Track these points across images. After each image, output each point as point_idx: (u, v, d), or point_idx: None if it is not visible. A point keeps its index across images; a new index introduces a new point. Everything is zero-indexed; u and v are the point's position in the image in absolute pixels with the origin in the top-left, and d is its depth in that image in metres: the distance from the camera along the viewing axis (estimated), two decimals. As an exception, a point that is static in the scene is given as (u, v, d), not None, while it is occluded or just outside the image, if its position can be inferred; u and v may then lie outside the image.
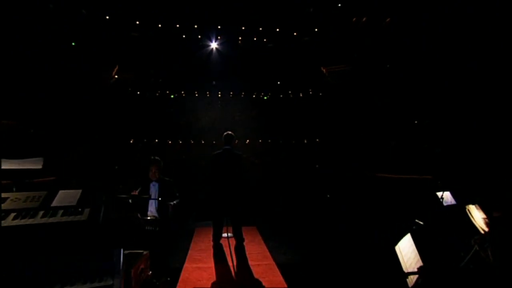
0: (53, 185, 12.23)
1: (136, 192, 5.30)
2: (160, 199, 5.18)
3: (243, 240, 6.20)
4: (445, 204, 5.21)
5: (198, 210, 8.83)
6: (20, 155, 12.27)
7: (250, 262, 5.87)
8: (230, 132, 6.01)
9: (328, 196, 9.77)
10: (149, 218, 5.23)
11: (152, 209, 5.32)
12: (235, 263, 5.77)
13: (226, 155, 5.79)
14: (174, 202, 5.27)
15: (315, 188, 11.34)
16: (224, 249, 6.30)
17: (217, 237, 6.16)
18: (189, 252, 6.46)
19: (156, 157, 5.46)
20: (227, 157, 5.75)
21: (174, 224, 5.38)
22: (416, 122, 13.17)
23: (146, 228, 4.79)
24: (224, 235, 6.51)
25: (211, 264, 5.79)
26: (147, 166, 5.59)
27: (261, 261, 5.99)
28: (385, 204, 8.54)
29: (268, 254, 6.39)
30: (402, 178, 10.32)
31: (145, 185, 5.42)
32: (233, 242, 6.39)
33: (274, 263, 5.92)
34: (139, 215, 4.91)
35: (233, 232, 6.24)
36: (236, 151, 5.96)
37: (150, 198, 5.26)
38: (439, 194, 5.31)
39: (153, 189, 5.36)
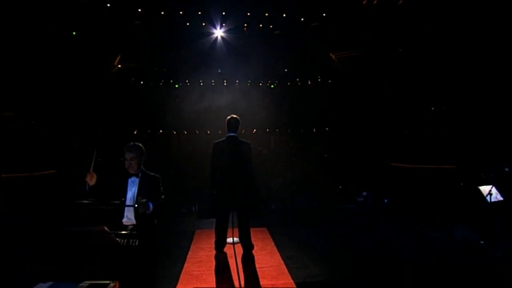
0: (54, 179, 11.58)
1: (91, 179, 3.41)
2: (136, 206, 3.39)
3: (252, 247, 4.91)
4: (493, 200, 4.38)
5: (201, 205, 7.37)
6: (21, 147, 11.59)
7: (262, 282, 4.42)
8: (234, 116, 4.73)
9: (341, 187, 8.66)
10: (124, 231, 3.37)
11: (129, 214, 3.53)
12: (242, 284, 4.41)
13: (231, 143, 4.61)
14: (156, 203, 3.49)
15: (333, 180, 10.17)
16: (229, 260, 4.94)
17: (220, 243, 4.80)
18: (185, 265, 4.95)
19: (137, 143, 3.72)
20: (232, 146, 4.58)
21: (161, 233, 3.74)
22: (432, 109, 12.17)
23: (119, 242, 3.15)
24: (229, 240, 5.14)
25: (212, 282, 4.44)
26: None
27: (275, 279, 4.52)
28: (417, 196, 7.58)
29: (284, 268, 4.85)
30: (424, 168, 9.41)
31: (120, 181, 3.66)
32: (239, 250, 5.06)
33: (293, 282, 4.45)
34: (106, 228, 2.99)
35: (240, 236, 4.86)
36: (242, 139, 4.70)
37: (121, 202, 3.49)
38: (485, 188, 4.47)
39: (131, 186, 3.61)
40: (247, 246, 4.83)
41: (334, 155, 12.78)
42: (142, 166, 3.66)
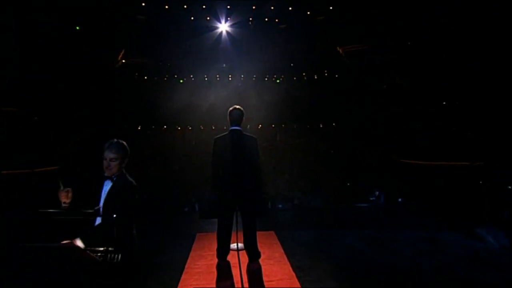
0: (56, 175, 11.22)
1: (66, 196, 2.66)
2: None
3: (258, 255, 4.15)
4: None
5: (204, 205, 6.66)
6: (23, 143, 11.21)
7: (271, 300, 3.71)
8: (237, 107, 4.00)
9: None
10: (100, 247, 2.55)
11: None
12: (248, 301, 3.72)
13: (234, 138, 3.88)
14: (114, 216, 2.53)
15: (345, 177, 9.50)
16: (233, 270, 4.29)
17: (223, 251, 4.01)
18: (182, 277, 4.25)
19: (121, 142, 2.89)
20: (235, 141, 3.85)
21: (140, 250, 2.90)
22: (444, 103, 11.57)
23: (94, 258, 2.41)
24: (233, 246, 4.52)
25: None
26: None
27: (287, 296, 3.76)
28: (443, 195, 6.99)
29: (296, 282, 4.12)
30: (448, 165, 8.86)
31: (97, 185, 2.86)
32: (244, 258, 4.31)
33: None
34: (78, 241, 2.41)
35: (245, 242, 4.07)
36: (247, 133, 3.99)
37: (95, 210, 2.69)
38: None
39: (105, 189, 2.85)
40: (254, 254, 4.07)
41: (342, 151, 12.26)
42: (123, 169, 2.89)
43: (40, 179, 9.76)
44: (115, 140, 2.88)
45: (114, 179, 2.80)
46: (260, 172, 3.99)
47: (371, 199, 6.99)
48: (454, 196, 6.45)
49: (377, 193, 6.93)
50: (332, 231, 6.01)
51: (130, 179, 2.86)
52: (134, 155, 10.29)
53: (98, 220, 2.72)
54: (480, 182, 6.51)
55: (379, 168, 10.33)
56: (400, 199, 6.75)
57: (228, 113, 4.00)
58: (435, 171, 9.02)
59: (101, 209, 2.71)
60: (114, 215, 2.49)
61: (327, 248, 5.21)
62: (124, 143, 2.92)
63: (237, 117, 3.93)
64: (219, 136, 4.03)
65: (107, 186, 2.80)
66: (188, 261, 4.66)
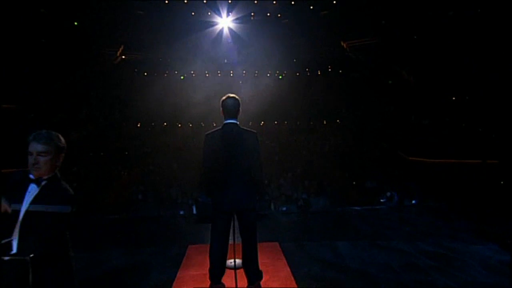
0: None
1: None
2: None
3: (260, 276, 3.17)
4: None
5: (201, 207, 5.61)
6: (18, 140, 10.58)
7: None
8: (233, 95, 3.05)
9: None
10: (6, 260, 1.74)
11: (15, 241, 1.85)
12: None
13: (230, 133, 2.98)
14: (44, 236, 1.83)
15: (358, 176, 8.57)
16: None
17: (217, 272, 3.05)
18: None
19: (53, 132, 1.95)
20: (231, 137, 2.97)
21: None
22: (454, 98, 10.87)
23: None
24: (229, 262, 3.38)
25: None
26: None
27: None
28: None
29: None
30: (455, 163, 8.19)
31: (16, 187, 1.92)
32: (243, 278, 3.23)
33: None
34: None
35: (244, 259, 3.10)
36: (246, 128, 3.04)
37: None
38: None
39: (28, 197, 1.89)
40: (254, 275, 3.11)
41: (347, 149, 11.58)
42: (57, 171, 1.98)
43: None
44: (44, 130, 1.95)
45: (43, 183, 1.90)
46: (261, 174, 2.99)
47: (382, 200, 6.29)
48: (477, 196, 5.73)
49: (388, 194, 6.20)
50: (346, 241, 4.65)
51: (65, 185, 1.98)
52: (134, 153, 9.60)
53: (16, 228, 1.80)
54: (501, 182, 5.84)
55: (387, 166, 9.65)
56: (414, 201, 6.04)
57: (220, 103, 3.01)
58: (449, 169, 8.32)
59: (13, 244, 1.78)
60: (31, 255, 1.66)
61: (342, 262, 3.93)
62: (59, 135, 1.98)
63: (232, 108, 2.96)
64: (211, 131, 3.02)
65: (31, 193, 1.88)
66: (174, 284, 3.45)
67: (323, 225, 5.53)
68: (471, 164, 9.27)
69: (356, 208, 5.88)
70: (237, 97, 2.98)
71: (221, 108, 3.05)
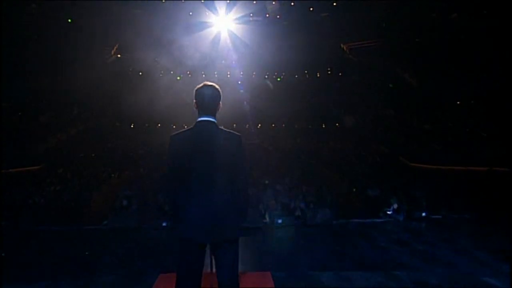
0: (37, 175, 9.86)
1: None
2: None
3: None
4: None
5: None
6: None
7: None
8: (211, 84, 2.08)
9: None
10: None
11: None
12: None
13: (205, 134, 2.04)
14: None
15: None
16: None
17: None
18: None
19: None
20: (207, 140, 2.03)
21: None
22: (458, 103, 10.19)
23: None
24: None
25: None
26: None
27: None
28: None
29: None
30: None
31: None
32: None
33: None
34: None
35: None
36: (226, 129, 2.02)
37: None
38: None
39: None
40: None
41: (346, 153, 10.88)
42: None
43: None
44: None
45: None
46: (246, 191, 2.14)
47: (388, 212, 5.53)
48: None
49: (395, 205, 5.42)
50: (351, 265, 3.62)
51: None
52: (127, 155, 8.75)
53: None
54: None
55: (388, 172, 8.95)
56: (424, 213, 5.28)
57: (194, 93, 2.09)
58: (455, 177, 7.61)
59: None
60: None
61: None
62: None
63: (209, 100, 2.06)
64: (178, 132, 2.00)
65: None
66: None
67: (324, 244, 4.42)
68: (476, 172, 8.59)
69: (360, 220, 5.14)
70: (217, 86, 2.08)
71: (194, 100, 2.13)
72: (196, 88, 2.03)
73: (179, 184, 1.98)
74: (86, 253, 4.01)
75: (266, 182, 7.54)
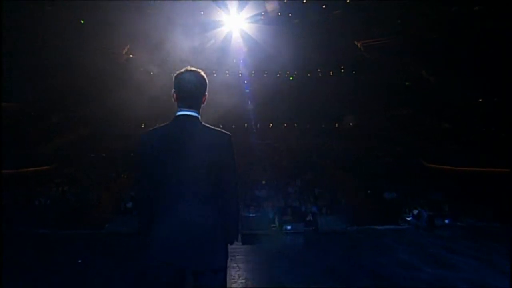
0: (46, 175, 9.76)
1: None
2: None
3: None
4: None
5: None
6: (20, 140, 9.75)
7: None
8: (194, 70, 1.60)
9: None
10: None
11: None
12: None
13: (185, 132, 1.54)
14: None
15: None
16: None
17: None
18: None
19: None
20: (187, 138, 1.53)
21: None
22: (480, 100, 9.53)
23: None
24: None
25: None
26: None
27: None
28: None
29: None
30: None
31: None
32: None
33: None
34: None
35: None
36: (212, 126, 1.57)
37: None
38: None
39: None
40: None
41: (360, 153, 10.36)
42: None
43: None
44: None
45: None
46: (235, 199, 1.66)
47: (408, 219, 5.03)
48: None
49: (416, 211, 4.90)
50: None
51: None
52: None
53: None
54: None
55: (405, 174, 8.40)
56: (447, 220, 4.75)
57: (174, 80, 1.66)
58: (477, 179, 7.03)
59: None
60: None
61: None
62: None
63: (192, 89, 1.61)
64: (150, 130, 1.67)
65: None
66: None
67: (338, 257, 3.78)
68: (499, 173, 7.97)
69: (377, 227, 4.62)
70: (202, 72, 1.64)
71: (173, 90, 1.67)
72: (175, 75, 1.63)
73: (154, 194, 1.57)
74: (79, 261, 3.67)
75: (263, 182, 7.10)
